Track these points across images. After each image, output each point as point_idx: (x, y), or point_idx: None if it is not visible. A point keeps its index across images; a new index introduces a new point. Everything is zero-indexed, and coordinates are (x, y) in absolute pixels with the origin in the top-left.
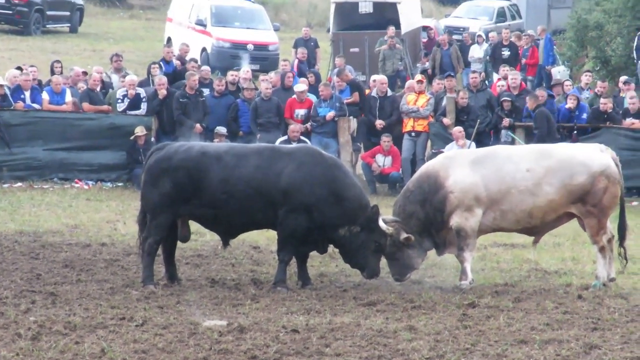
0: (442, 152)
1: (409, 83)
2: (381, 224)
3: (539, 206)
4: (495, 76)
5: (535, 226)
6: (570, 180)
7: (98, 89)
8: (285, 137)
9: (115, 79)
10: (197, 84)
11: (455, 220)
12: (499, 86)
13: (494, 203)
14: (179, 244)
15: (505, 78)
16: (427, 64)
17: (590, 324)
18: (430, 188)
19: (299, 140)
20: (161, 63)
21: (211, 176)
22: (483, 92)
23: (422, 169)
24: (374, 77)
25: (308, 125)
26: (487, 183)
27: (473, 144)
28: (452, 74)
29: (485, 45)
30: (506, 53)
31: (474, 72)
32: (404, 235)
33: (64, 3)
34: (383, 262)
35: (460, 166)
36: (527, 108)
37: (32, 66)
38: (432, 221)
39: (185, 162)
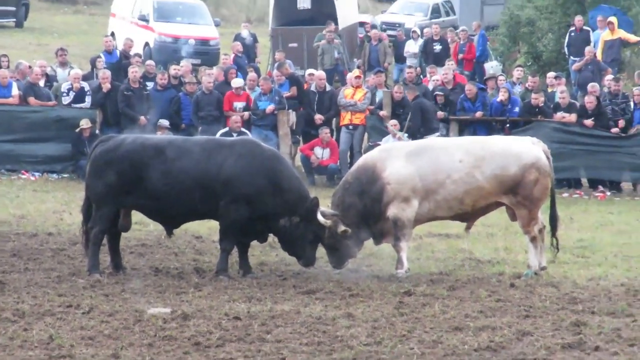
0: (379, 144)
1: (350, 76)
2: (320, 218)
3: (470, 194)
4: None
5: (467, 212)
6: (501, 171)
7: (42, 82)
8: (227, 129)
9: (60, 72)
10: (139, 76)
11: (392, 211)
12: (432, 80)
13: (429, 193)
14: (123, 233)
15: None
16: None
17: (522, 312)
18: (368, 180)
19: (240, 132)
20: (102, 54)
21: (154, 168)
22: (418, 87)
23: (360, 162)
24: (309, 71)
25: (246, 113)
26: (423, 174)
27: (406, 135)
28: (381, 70)
29: (420, 41)
30: (437, 47)
31: (409, 66)
32: (342, 228)
33: None
34: (321, 251)
35: (397, 158)
36: (461, 101)
37: None
38: (369, 212)
39: (129, 154)
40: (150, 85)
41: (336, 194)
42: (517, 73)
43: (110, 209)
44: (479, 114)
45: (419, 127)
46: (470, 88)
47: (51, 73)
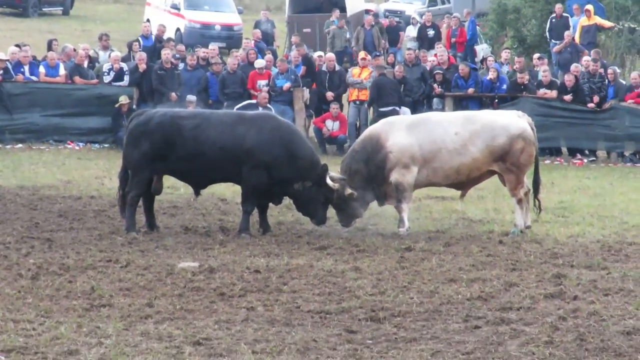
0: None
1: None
2: (328, 181)
3: (465, 164)
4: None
5: (462, 182)
6: (492, 141)
7: (85, 64)
8: (253, 101)
9: (102, 54)
10: (170, 58)
11: (394, 176)
12: (429, 61)
13: (427, 161)
14: (156, 196)
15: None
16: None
17: (509, 265)
18: (373, 149)
19: (266, 107)
20: (140, 38)
21: (184, 138)
22: (417, 67)
23: (366, 133)
24: (318, 53)
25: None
26: (421, 144)
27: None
28: (377, 54)
29: (419, 26)
30: (431, 32)
31: (409, 49)
32: (348, 191)
33: None
34: (332, 212)
35: (398, 130)
36: (455, 79)
37: (25, 45)
38: (374, 177)
39: (161, 126)
40: (181, 65)
41: (344, 161)
42: (504, 55)
43: (145, 175)
44: (471, 90)
45: (375, 100)
46: (463, 68)
47: (94, 55)
